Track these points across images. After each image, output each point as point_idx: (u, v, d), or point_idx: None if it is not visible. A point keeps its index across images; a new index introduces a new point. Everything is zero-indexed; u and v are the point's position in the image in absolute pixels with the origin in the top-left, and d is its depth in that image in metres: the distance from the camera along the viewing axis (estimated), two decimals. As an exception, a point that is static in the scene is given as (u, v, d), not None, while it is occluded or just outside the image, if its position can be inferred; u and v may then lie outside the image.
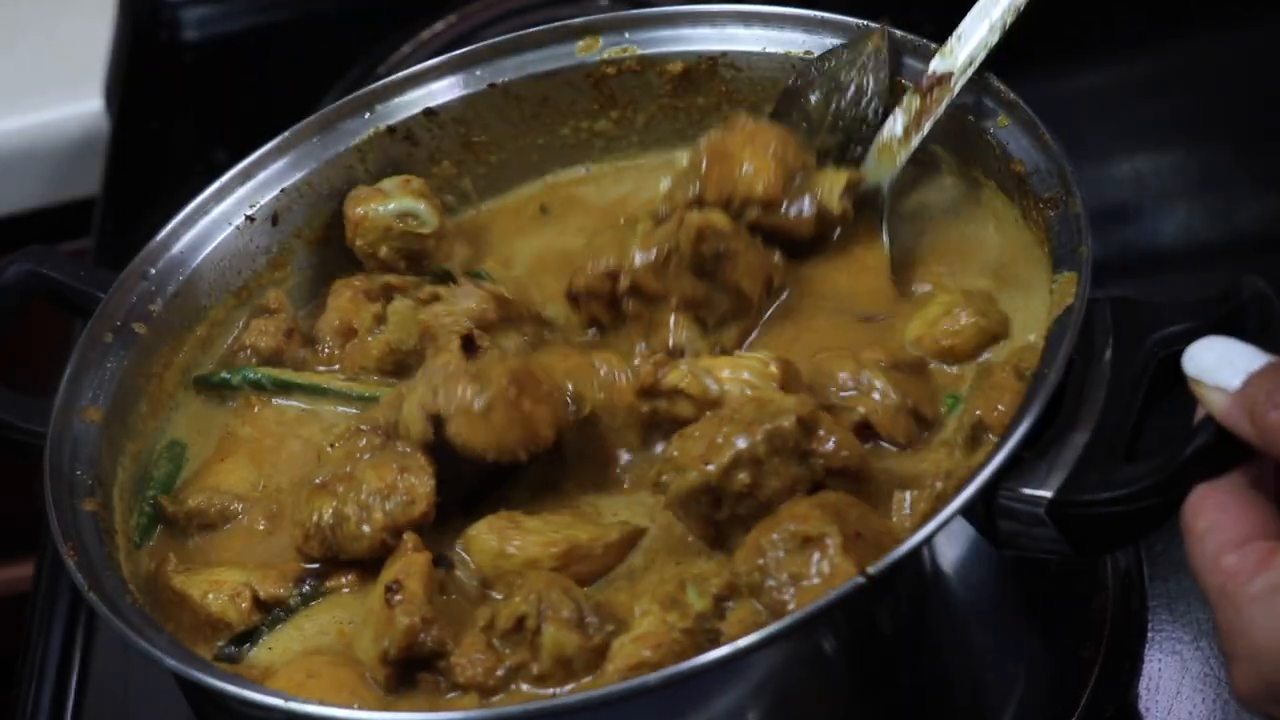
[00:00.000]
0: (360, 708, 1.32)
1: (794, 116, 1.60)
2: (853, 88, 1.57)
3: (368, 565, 1.41)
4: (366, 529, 1.39)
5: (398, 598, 1.32)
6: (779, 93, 1.62)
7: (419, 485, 1.39)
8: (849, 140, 1.59)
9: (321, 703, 1.31)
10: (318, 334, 1.61)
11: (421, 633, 1.31)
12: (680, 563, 1.36)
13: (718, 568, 1.32)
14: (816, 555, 1.28)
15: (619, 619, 1.31)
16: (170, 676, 1.38)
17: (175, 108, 2.34)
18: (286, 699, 1.27)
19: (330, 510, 1.40)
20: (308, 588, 1.43)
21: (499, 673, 1.31)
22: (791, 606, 1.27)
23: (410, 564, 1.35)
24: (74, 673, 1.69)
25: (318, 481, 1.43)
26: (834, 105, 1.58)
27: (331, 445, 1.47)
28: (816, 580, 1.27)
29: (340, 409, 1.55)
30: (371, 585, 1.39)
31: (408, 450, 1.41)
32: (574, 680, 1.29)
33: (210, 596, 1.42)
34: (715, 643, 1.28)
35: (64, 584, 1.74)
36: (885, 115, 1.57)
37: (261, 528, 1.49)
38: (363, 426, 1.46)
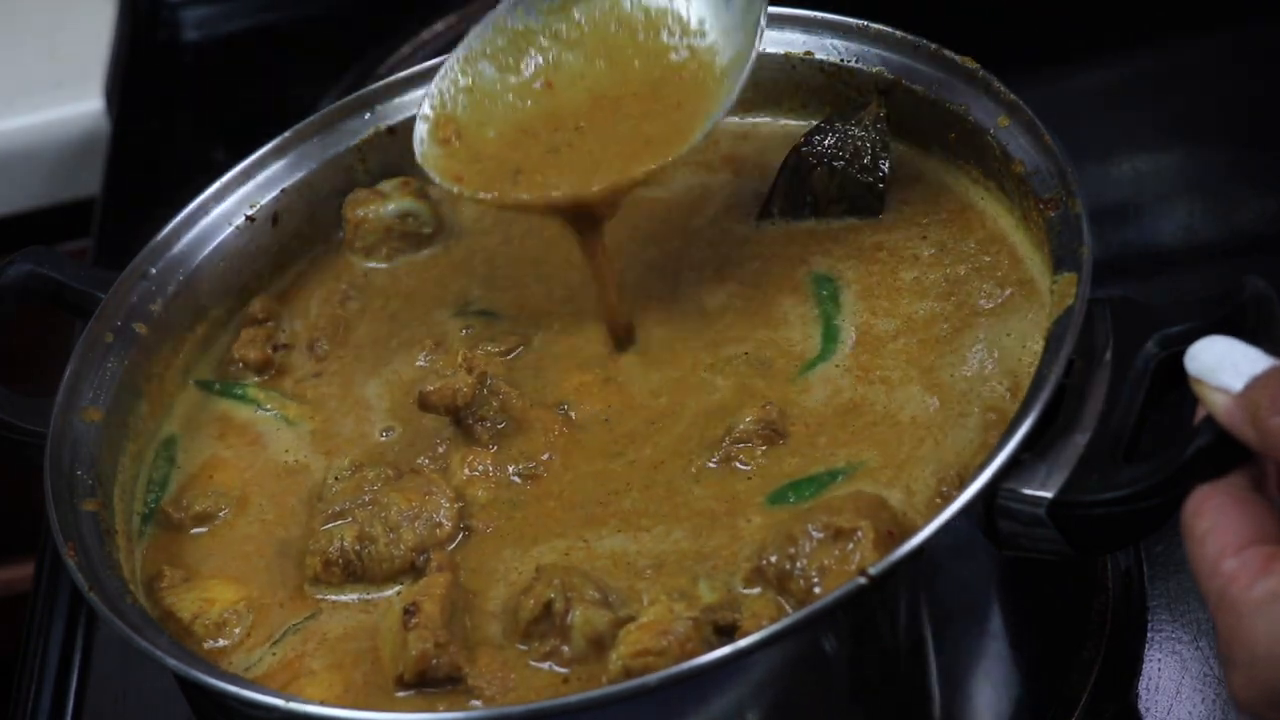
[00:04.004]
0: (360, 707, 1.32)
1: (801, 196, 1.58)
2: (851, 152, 1.57)
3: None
4: (398, 550, 1.40)
5: (414, 620, 1.32)
6: (775, 171, 1.59)
7: (447, 507, 1.42)
8: (853, 209, 1.57)
9: (322, 703, 1.31)
10: (306, 335, 1.62)
11: (434, 658, 1.31)
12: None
13: (747, 551, 1.33)
14: (849, 546, 1.28)
15: (638, 603, 1.33)
16: (170, 676, 1.38)
17: (175, 108, 2.34)
18: (287, 699, 1.27)
19: (353, 535, 1.41)
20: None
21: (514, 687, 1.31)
22: (817, 594, 1.27)
23: (431, 584, 1.35)
24: (74, 673, 1.69)
25: (332, 512, 1.43)
26: (838, 178, 1.57)
27: (335, 478, 1.47)
28: (847, 570, 1.27)
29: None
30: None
31: (432, 477, 1.44)
32: (606, 658, 1.29)
33: (198, 621, 1.42)
34: (722, 632, 1.29)
35: (64, 584, 1.74)
36: (884, 172, 1.56)
37: (265, 522, 1.49)
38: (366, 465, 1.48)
